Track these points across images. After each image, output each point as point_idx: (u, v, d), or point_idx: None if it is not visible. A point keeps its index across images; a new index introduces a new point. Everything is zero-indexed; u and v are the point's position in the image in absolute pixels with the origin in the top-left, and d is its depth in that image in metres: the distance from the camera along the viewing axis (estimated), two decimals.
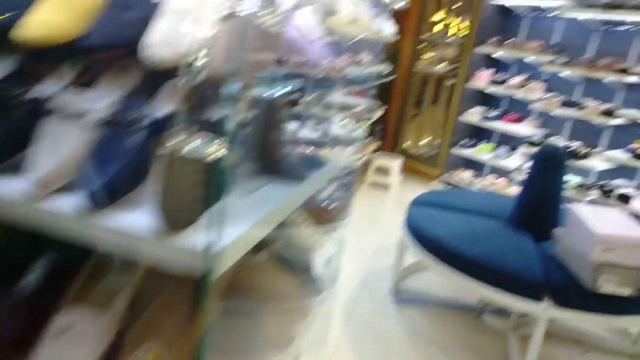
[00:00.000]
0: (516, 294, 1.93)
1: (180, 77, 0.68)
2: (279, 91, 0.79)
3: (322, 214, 1.52)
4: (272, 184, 0.97)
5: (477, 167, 5.06)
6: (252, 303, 1.07)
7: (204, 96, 0.69)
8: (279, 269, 1.15)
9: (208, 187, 0.68)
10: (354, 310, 2.55)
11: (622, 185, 3.89)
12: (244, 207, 0.85)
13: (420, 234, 2.32)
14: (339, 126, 2.76)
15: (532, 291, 1.91)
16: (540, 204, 2.33)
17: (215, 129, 0.66)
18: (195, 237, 0.70)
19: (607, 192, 3.80)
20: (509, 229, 2.38)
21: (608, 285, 1.77)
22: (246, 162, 0.88)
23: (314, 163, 1.18)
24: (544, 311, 1.89)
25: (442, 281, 2.93)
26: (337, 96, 2.80)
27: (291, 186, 0.98)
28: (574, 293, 1.86)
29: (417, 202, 2.71)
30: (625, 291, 1.78)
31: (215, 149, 0.65)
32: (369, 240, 3.54)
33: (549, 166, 2.32)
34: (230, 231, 0.74)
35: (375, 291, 2.78)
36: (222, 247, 0.70)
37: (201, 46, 0.69)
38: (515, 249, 2.11)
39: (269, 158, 0.94)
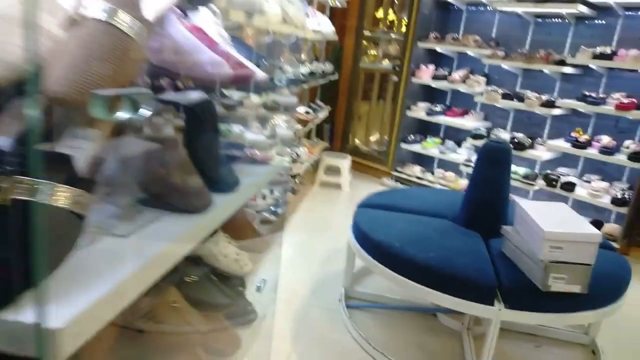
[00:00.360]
0: (467, 299, 1.85)
1: (11, 98, 0.51)
2: (146, 111, 0.63)
3: (252, 229, 1.36)
4: (167, 216, 0.79)
5: (426, 161, 5.06)
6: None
7: (45, 122, 0.51)
8: (195, 306, 0.99)
9: (51, 240, 0.51)
10: (304, 321, 2.41)
11: (565, 174, 3.97)
12: (110, 256, 0.66)
13: (367, 240, 2.21)
14: (279, 128, 2.60)
15: (483, 295, 1.84)
16: (487, 201, 2.28)
17: (60, 164, 0.49)
18: (32, 310, 0.52)
19: (552, 181, 3.86)
20: (457, 229, 2.31)
21: (558, 284, 1.72)
22: (126, 195, 0.72)
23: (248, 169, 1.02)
24: (496, 314, 1.82)
25: (394, 283, 2.84)
26: (276, 97, 2.64)
27: (191, 216, 0.80)
28: (525, 294, 1.80)
29: (364, 205, 2.61)
30: (575, 288, 1.73)
31: (62, 192, 0.48)
32: (320, 243, 3.41)
33: (494, 162, 2.27)
34: (82, 299, 0.56)
35: (327, 298, 2.65)
36: (66, 321, 0.51)
37: (37, 59, 0.52)
38: (464, 251, 2.04)
39: (168, 184, 0.77)
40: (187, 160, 0.84)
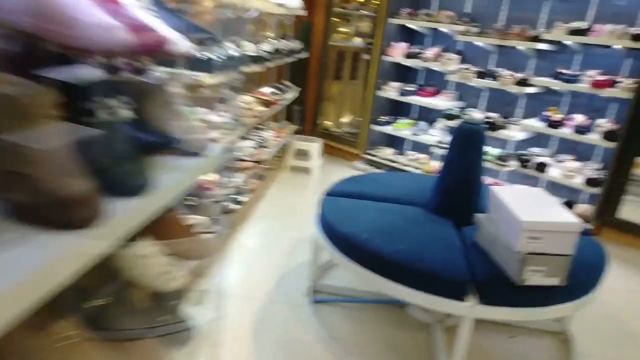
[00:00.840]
0: (438, 295, 1.72)
1: None
2: None
3: (187, 234, 1.16)
4: (36, 233, 0.59)
5: (398, 143, 4.91)
6: None
7: None
8: (105, 337, 0.80)
9: None
10: (266, 320, 2.25)
11: (538, 154, 3.88)
12: None
13: (333, 232, 2.04)
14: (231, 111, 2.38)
15: (455, 290, 1.70)
16: (460, 187, 2.14)
17: None
18: None
19: (525, 162, 3.76)
20: (429, 217, 2.17)
21: (536, 277, 1.60)
22: None
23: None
24: (469, 311, 1.69)
25: (360, 278, 2.70)
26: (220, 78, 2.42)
27: (71, 232, 0.61)
28: (500, 288, 1.68)
29: (331, 194, 2.43)
30: (554, 281, 1.61)
31: None
32: (287, 232, 3.24)
33: (467, 145, 2.12)
34: None
35: (292, 292, 2.49)
36: None
37: None
38: (435, 242, 1.89)
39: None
40: (67, 156, 0.64)
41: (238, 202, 3.25)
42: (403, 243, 1.87)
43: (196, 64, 1.94)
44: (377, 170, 4.67)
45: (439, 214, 2.19)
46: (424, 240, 1.90)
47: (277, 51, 3.42)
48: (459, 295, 1.69)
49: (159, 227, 0.98)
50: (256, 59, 2.80)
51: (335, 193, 2.43)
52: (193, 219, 2.31)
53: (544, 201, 1.75)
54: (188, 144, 0.98)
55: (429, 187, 2.34)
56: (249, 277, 2.63)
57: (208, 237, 1.40)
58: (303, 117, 5.43)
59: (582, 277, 1.77)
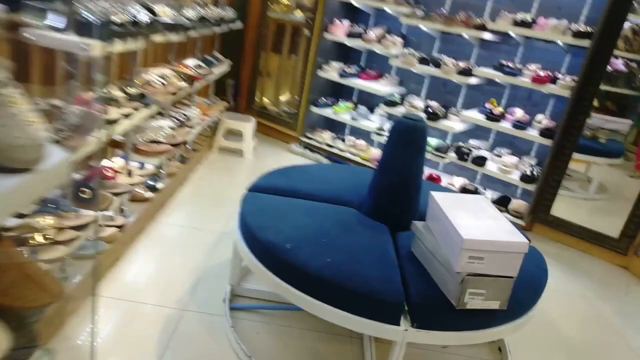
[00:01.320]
0: (368, 317, 1.50)
1: None
2: None
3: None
4: None
5: (337, 127, 4.67)
6: None
7: None
8: None
9: None
10: (176, 333, 1.95)
11: (477, 147, 3.80)
12: None
13: (254, 238, 1.77)
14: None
15: (388, 313, 1.50)
16: (397, 188, 1.93)
17: None
18: None
19: (463, 155, 3.66)
20: (362, 220, 1.95)
21: (475, 301, 1.42)
22: None
23: None
24: (402, 336, 1.50)
25: (280, 293, 2.46)
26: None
27: None
28: (436, 311, 1.49)
29: (255, 189, 2.15)
30: (494, 305, 1.45)
31: None
32: (209, 224, 2.91)
33: (407, 142, 1.91)
34: None
35: (209, 299, 2.20)
36: None
37: None
38: (368, 253, 1.68)
39: None
40: None
41: (154, 189, 2.87)
42: (331, 254, 1.63)
43: (84, 28, 1.55)
44: (313, 155, 4.42)
45: (373, 217, 1.97)
46: (355, 251, 1.67)
47: (203, 19, 3.01)
48: (392, 319, 1.49)
49: None
50: (173, 27, 2.41)
51: (259, 188, 2.15)
52: (84, 215, 1.94)
53: (487, 213, 1.57)
54: (10, 154, 0.65)
55: (365, 183, 2.11)
56: (159, 278, 2.31)
57: (56, 278, 1.08)
58: (237, 93, 5.04)
59: (522, 295, 1.63)
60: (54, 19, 1.57)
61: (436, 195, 1.66)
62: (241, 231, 1.89)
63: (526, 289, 1.66)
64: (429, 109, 3.78)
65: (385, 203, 1.95)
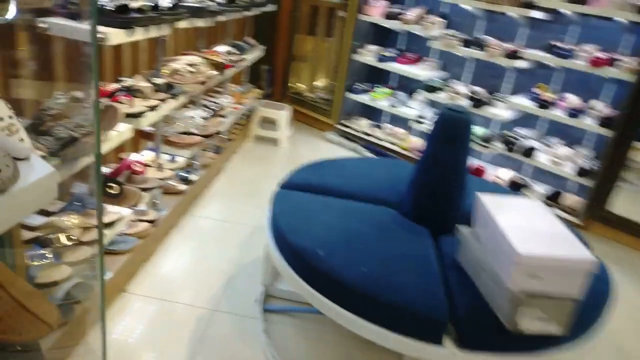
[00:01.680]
0: (408, 335, 1.36)
1: None
2: None
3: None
4: None
5: (375, 114, 4.48)
6: None
7: None
8: None
9: None
10: (205, 335, 1.88)
11: (525, 136, 3.53)
12: None
13: (284, 241, 1.65)
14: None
15: (430, 331, 1.35)
16: (439, 189, 1.76)
17: None
18: None
19: (510, 145, 3.41)
20: (401, 222, 1.80)
21: (532, 323, 1.25)
22: None
23: None
24: (447, 358, 1.35)
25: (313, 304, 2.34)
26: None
27: None
28: (484, 331, 1.33)
29: (287, 186, 2.03)
30: (554, 329, 1.27)
31: None
32: (243, 217, 2.83)
33: (450, 138, 1.73)
34: None
35: (241, 298, 2.12)
36: None
37: None
38: (408, 262, 1.53)
39: None
40: None
41: (187, 181, 2.81)
42: (367, 263, 1.49)
43: (104, 16, 1.45)
44: (351, 145, 4.26)
45: (413, 218, 1.82)
46: (392, 259, 1.53)
47: (233, 2, 2.88)
48: (434, 337, 1.35)
49: None
50: (199, 11, 2.29)
51: (291, 185, 2.03)
52: (113, 211, 1.88)
53: (544, 221, 1.39)
54: None
55: (403, 178, 1.95)
56: (191, 276, 2.24)
57: (52, 304, 0.99)
58: (272, 79, 4.92)
59: (585, 315, 1.44)
60: None
61: (484, 198, 1.49)
62: (272, 233, 1.78)
63: (589, 306, 1.47)
64: (473, 94, 3.53)
65: (426, 203, 1.78)
